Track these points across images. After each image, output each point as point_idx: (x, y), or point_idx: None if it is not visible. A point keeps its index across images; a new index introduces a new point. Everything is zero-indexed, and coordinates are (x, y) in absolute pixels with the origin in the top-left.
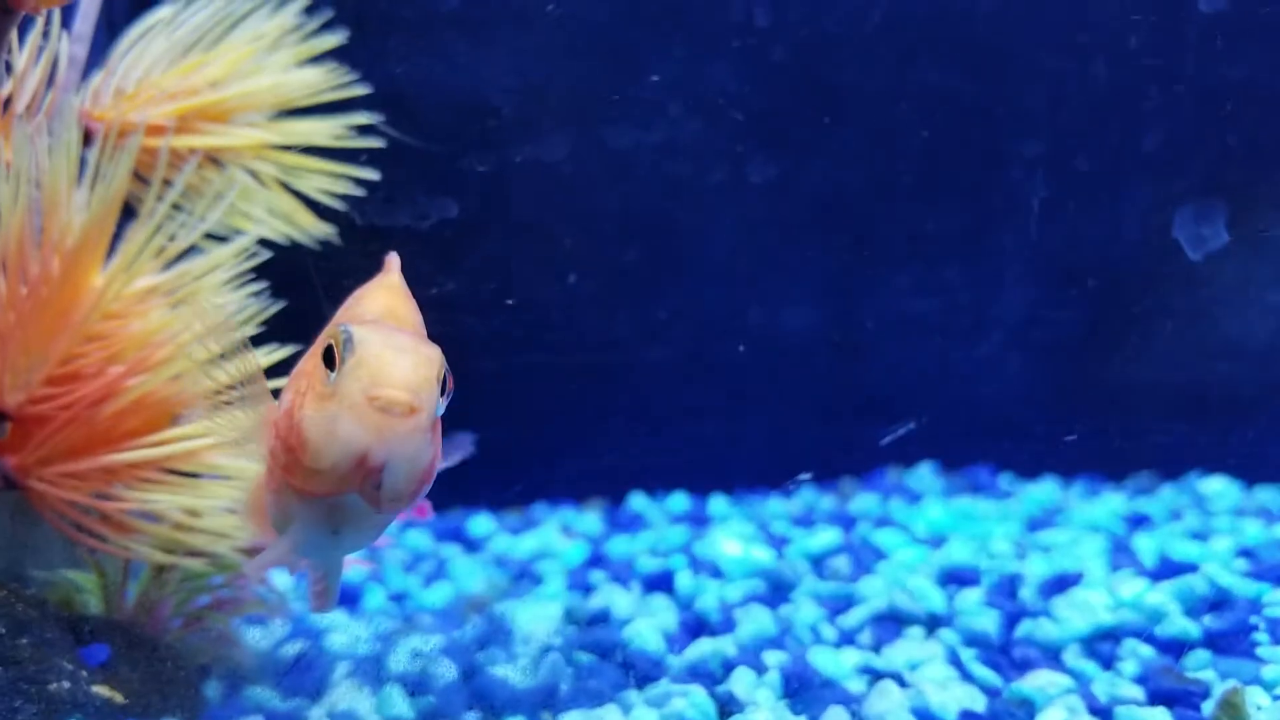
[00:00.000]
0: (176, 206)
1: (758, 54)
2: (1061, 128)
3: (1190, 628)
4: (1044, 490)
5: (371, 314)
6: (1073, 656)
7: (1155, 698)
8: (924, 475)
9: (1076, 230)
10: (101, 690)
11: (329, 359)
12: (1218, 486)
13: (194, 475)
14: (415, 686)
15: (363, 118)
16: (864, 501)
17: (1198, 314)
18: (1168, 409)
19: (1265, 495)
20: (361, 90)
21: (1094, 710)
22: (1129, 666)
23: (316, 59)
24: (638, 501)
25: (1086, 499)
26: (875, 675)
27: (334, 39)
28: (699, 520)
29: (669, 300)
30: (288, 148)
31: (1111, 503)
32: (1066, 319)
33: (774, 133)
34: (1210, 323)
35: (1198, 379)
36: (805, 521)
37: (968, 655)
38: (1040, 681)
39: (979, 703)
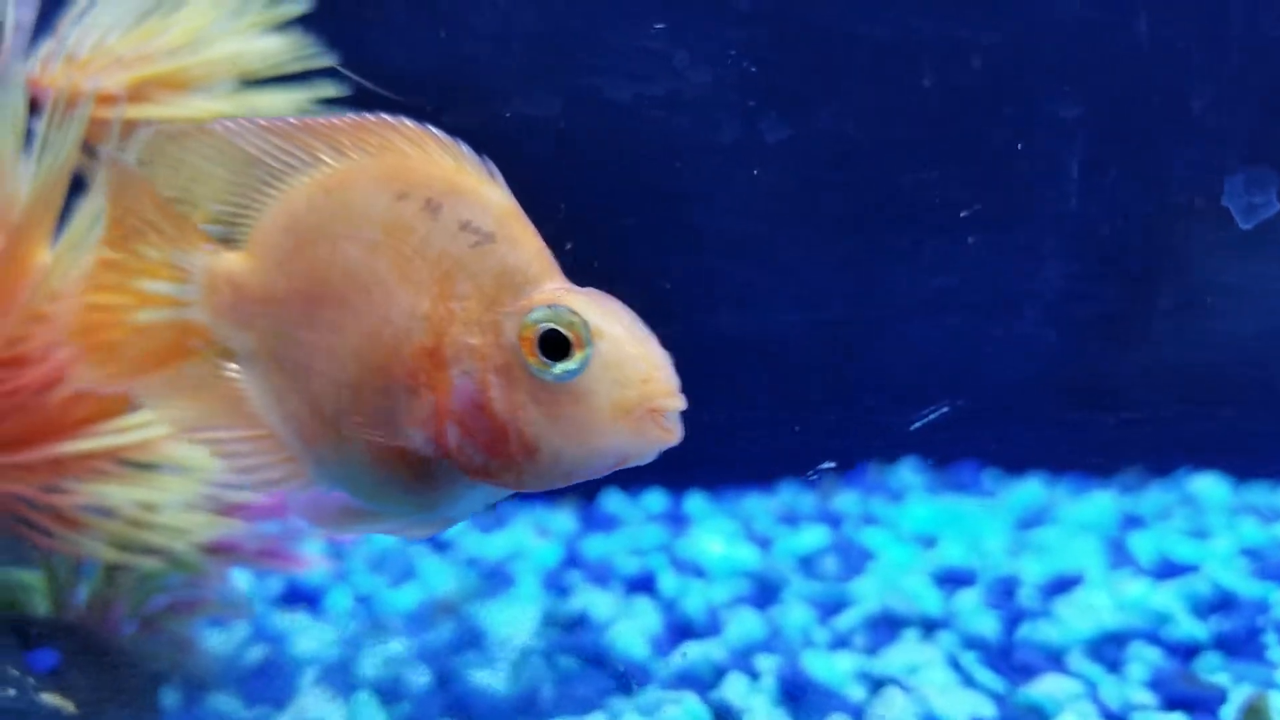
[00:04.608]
0: None
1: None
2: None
3: (1197, 630)
4: (1029, 489)
5: (536, 269)
6: (1076, 660)
7: (1171, 703)
8: (905, 473)
9: (1113, 200)
10: (51, 699)
11: (550, 346)
12: (1207, 484)
13: (150, 467)
14: (388, 693)
15: (330, 89)
16: (845, 500)
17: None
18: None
19: (1258, 494)
20: (327, 61)
21: (1108, 716)
22: (1136, 670)
23: (281, 27)
24: (612, 500)
25: (1074, 497)
26: (873, 680)
27: (299, 6)
28: (676, 519)
29: (674, 273)
30: None
31: (1100, 501)
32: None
33: (787, 87)
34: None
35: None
36: (789, 520)
37: (968, 659)
38: (1049, 687)
39: (987, 709)
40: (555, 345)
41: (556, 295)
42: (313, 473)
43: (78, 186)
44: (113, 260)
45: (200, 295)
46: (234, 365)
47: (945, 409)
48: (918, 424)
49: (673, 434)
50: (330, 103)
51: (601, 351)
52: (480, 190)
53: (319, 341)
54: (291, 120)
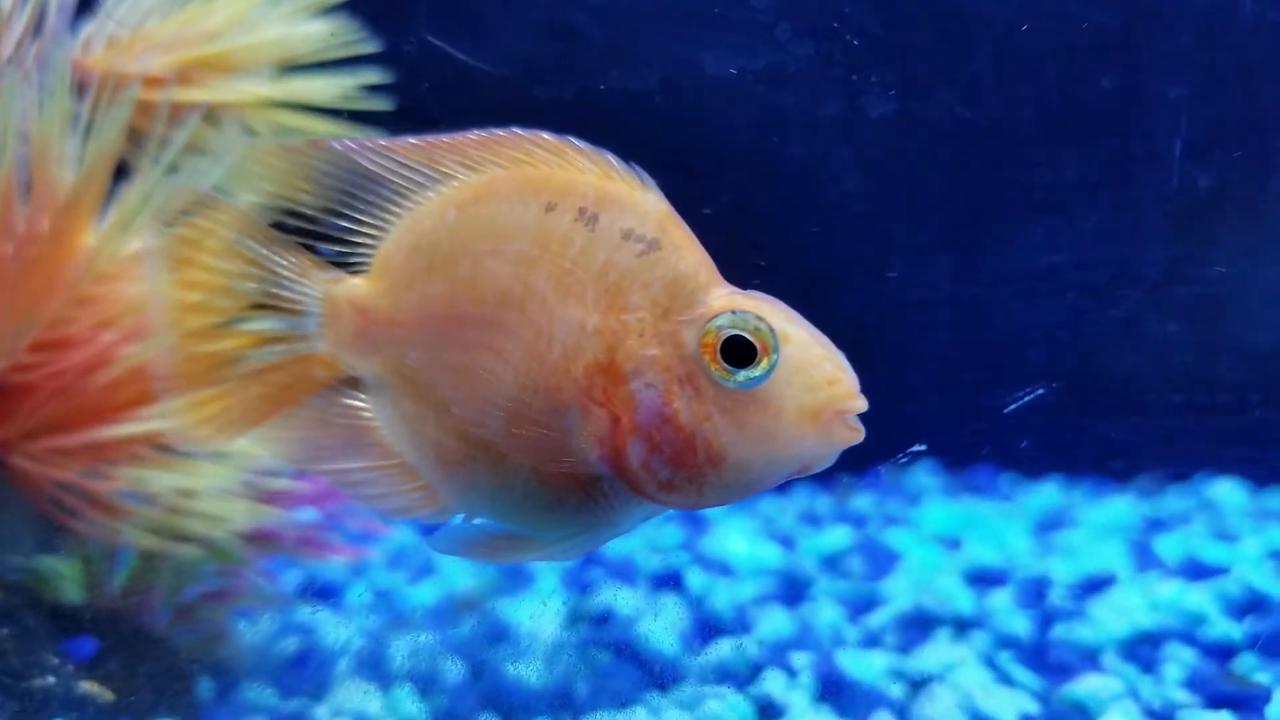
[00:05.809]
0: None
1: None
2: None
3: (1233, 630)
4: (1046, 492)
5: (704, 275)
6: (1111, 659)
7: (1215, 701)
8: (921, 475)
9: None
10: (89, 687)
11: (732, 353)
12: (1226, 489)
13: (189, 453)
14: (423, 685)
15: (374, 75)
16: (862, 501)
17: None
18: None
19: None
20: (371, 48)
21: (1151, 714)
22: (1173, 670)
23: (325, 11)
24: None
25: (1092, 501)
26: (908, 679)
27: None
28: (692, 518)
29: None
30: (291, 105)
31: (1119, 505)
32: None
33: (894, 62)
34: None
35: None
36: (810, 520)
37: (1003, 658)
38: (1090, 685)
39: (1031, 707)
40: (739, 352)
41: (734, 301)
42: (455, 500)
43: (117, 173)
44: (215, 304)
45: (320, 325)
46: (358, 394)
47: (1040, 390)
48: (1013, 406)
49: (859, 433)
50: (375, 89)
51: (788, 356)
52: (634, 197)
53: (466, 363)
54: (412, 139)
